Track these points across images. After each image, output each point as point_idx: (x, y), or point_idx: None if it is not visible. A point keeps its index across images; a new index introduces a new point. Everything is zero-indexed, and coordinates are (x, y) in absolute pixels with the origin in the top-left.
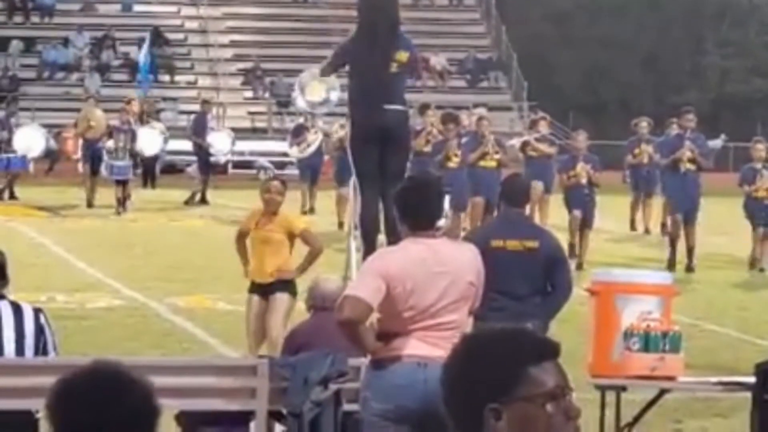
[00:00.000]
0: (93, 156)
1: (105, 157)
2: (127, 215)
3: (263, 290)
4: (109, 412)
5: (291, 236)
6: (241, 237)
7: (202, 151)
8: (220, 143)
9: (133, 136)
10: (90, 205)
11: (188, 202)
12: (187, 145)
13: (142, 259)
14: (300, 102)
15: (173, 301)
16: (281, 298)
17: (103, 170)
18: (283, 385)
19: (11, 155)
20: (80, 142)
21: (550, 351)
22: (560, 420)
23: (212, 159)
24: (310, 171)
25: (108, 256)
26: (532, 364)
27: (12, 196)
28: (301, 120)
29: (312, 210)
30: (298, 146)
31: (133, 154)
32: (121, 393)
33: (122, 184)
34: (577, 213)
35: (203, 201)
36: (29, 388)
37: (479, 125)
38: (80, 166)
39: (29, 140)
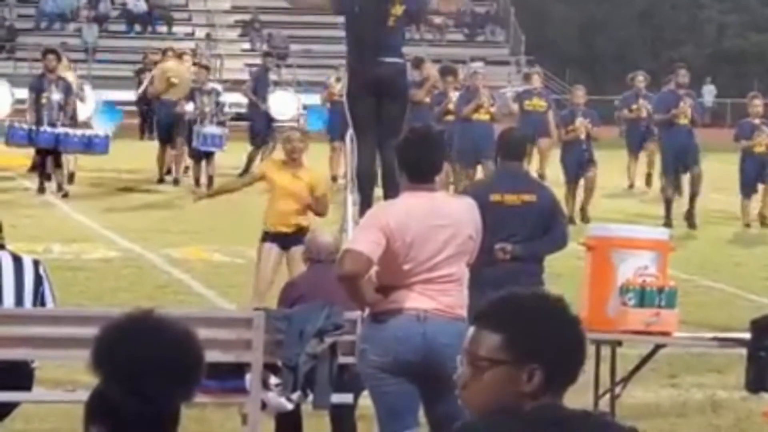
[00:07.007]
0: (168, 123)
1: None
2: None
3: (283, 241)
4: (153, 354)
5: (312, 191)
6: (252, 178)
7: (260, 114)
8: (284, 105)
9: (218, 97)
10: (161, 180)
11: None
12: None
13: (139, 210)
14: None
15: (169, 252)
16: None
17: (194, 141)
18: (278, 337)
19: (92, 133)
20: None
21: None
22: None
23: (275, 124)
24: None
25: (104, 206)
26: None
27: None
28: None
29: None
30: None
31: (222, 121)
32: (163, 336)
33: (207, 157)
34: (574, 181)
35: None
36: (26, 338)
37: (473, 79)
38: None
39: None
